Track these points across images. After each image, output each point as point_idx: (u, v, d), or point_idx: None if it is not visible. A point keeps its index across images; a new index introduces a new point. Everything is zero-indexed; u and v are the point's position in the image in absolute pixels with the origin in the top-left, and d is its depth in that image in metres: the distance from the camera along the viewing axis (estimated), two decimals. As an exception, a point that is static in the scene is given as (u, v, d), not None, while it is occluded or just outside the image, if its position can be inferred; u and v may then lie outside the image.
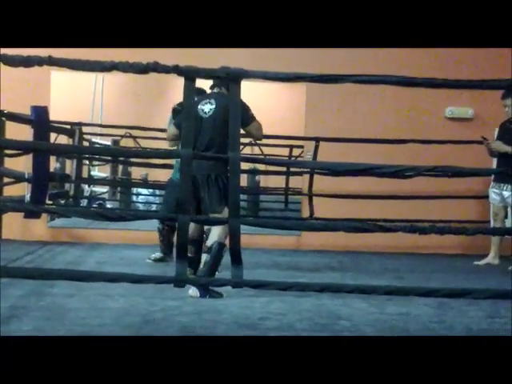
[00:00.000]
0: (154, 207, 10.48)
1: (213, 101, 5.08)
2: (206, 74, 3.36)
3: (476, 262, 7.04)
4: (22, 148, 5.05)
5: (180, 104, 6.02)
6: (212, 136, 4.94)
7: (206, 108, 5.06)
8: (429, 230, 3.61)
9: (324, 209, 7.62)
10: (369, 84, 3.47)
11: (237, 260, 3.50)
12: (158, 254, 6.29)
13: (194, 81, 3.30)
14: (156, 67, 3.31)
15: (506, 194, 6.92)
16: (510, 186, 6.87)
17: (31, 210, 4.65)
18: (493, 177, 6.92)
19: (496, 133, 7.08)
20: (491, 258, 7.04)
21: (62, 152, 7.39)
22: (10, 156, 6.99)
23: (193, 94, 3.32)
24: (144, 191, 11.02)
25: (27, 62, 3.28)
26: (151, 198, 10.85)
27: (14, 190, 7.29)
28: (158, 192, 10.09)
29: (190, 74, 3.30)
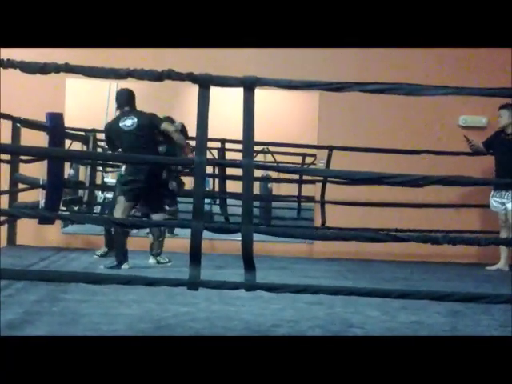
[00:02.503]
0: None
1: (133, 116, 6.00)
2: (219, 81, 3.38)
3: (488, 268, 7.25)
4: (36, 154, 5.09)
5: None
6: (134, 149, 5.80)
7: (128, 123, 5.98)
8: (441, 240, 3.59)
9: (336, 217, 7.62)
10: (379, 93, 3.46)
11: (250, 266, 3.51)
12: (103, 250, 6.94)
13: (208, 88, 3.32)
14: (170, 74, 3.34)
15: (508, 204, 7.07)
16: (510, 195, 7.02)
17: (45, 216, 4.68)
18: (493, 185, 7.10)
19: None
20: (502, 265, 7.23)
21: (76, 158, 7.44)
22: (25, 162, 7.05)
23: (207, 101, 3.34)
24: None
25: (44, 70, 3.31)
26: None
27: (28, 196, 7.35)
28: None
29: (204, 82, 3.33)
